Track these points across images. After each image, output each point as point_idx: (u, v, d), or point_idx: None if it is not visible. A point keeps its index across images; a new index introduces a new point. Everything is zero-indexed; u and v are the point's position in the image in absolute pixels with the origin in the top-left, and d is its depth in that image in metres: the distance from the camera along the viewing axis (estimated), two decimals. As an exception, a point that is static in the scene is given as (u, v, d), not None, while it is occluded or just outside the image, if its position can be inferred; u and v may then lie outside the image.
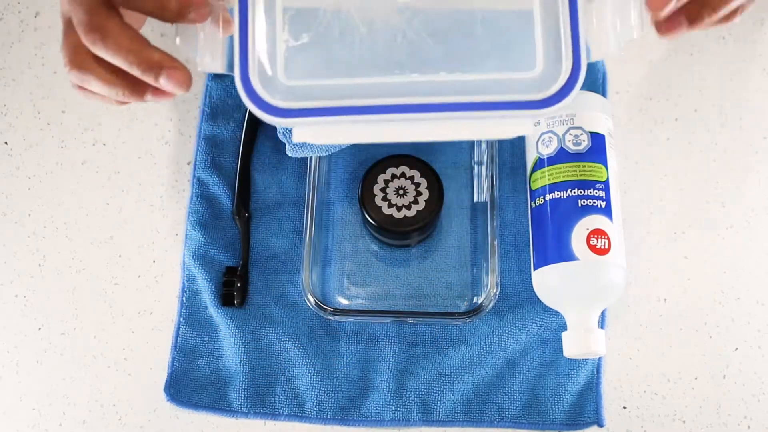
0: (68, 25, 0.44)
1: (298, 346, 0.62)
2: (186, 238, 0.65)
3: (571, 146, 0.60)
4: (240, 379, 0.61)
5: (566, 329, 0.58)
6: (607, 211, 0.58)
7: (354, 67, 0.44)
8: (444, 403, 0.60)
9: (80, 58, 0.43)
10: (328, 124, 0.45)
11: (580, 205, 0.58)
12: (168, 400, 0.61)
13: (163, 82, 0.42)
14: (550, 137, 0.61)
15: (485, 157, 0.64)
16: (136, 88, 0.44)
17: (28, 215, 0.67)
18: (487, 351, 0.62)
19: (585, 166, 0.59)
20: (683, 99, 0.69)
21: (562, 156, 0.60)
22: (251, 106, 0.43)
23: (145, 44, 0.42)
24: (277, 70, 0.44)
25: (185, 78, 0.42)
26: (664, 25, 0.45)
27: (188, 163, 0.68)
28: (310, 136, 0.45)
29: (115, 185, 0.67)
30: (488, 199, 0.62)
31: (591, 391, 0.61)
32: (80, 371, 0.63)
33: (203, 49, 0.43)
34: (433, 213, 0.60)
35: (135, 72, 0.42)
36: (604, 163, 0.59)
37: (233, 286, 0.62)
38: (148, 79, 0.42)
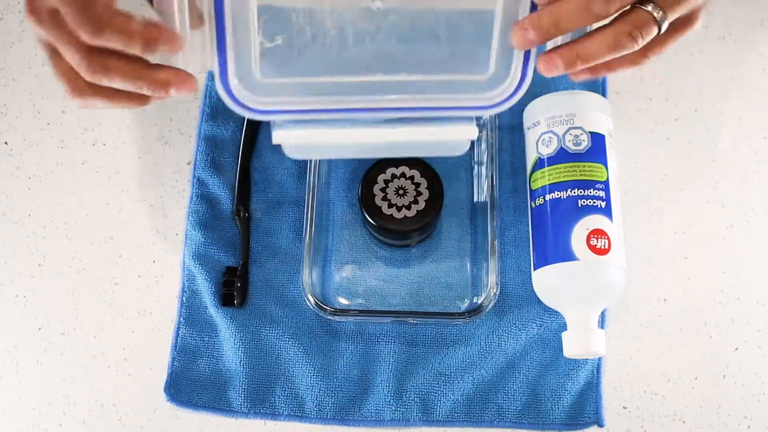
0: (54, 53, 0.43)
1: (298, 346, 0.62)
2: (186, 238, 0.65)
3: (571, 146, 0.60)
4: (240, 379, 0.61)
5: (566, 329, 0.58)
6: (607, 211, 0.58)
7: (325, 67, 0.47)
8: (444, 403, 0.60)
9: (80, 86, 0.44)
10: (301, 128, 0.49)
11: (580, 205, 0.58)
12: (168, 400, 0.61)
13: (174, 93, 0.44)
14: (550, 137, 0.61)
15: (485, 157, 0.64)
16: (140, 98, 0.45)
17: (28, 215, 0.67)
18: (487, 351, 0.62)
19: (585, 166, 0.59)
20: (683, 99, 0.69)
21: (562, 156, 0.60)
22: (229, 103, 0.47)
23: (148, 66, 0.43)
24: (253, 69, 0.46)
25: (192, 85, 0.44)
26: (542, 65, 0.47)
27: (188, 163, 0.68)
28: (286, 138, 0.50)
29: (115, 185, 0.67)
30: (488, 199, 0.62)
31: (591, 391, 0.61)
32: (80, 371, 0.63)
33: (182, 53, 0.45)
34: (433, 213, 0.60)
35: (145, 92, 0.43)
36: (604, 163, 0.59)
37: (233, 286, 0.62)
38: (159, 95, 0.44)
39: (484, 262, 0.62)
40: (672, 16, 0.45)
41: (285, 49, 0.46)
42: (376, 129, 0.50)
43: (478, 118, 0.66)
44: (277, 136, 0.50)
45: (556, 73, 0.46)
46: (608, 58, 0.46)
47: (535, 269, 0.60)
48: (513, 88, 0.49)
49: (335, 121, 0.49)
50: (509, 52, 0.47)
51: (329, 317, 0.61)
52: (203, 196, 0.66)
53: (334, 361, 0.62)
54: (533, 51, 0.47)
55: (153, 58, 0.44)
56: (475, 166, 0.66)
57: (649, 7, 0.44)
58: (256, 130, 0.68)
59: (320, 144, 0.52)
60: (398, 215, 0.60)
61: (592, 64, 0.46)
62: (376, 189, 0.61)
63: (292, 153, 0.52)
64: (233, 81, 0.46)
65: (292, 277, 0.64)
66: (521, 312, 0.62)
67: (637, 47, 0.45)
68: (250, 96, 0.47)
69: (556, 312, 0.61)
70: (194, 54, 0.45)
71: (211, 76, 0.69)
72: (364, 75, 0.48)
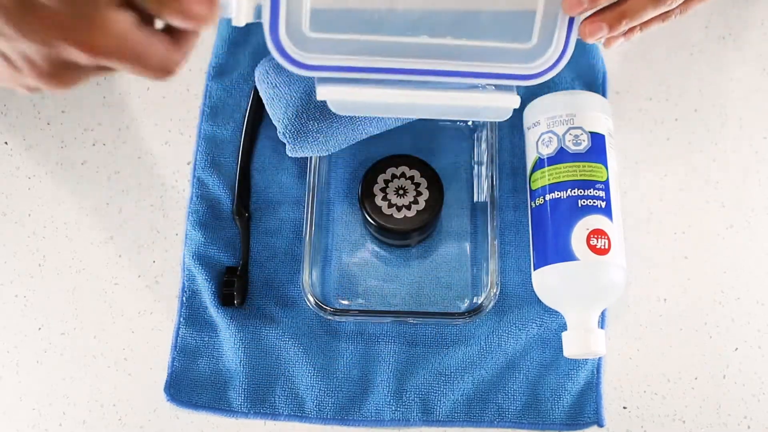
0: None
1: (298, 346, 0.62)
2: (186, 238, 0.65)
3: (571, 146, 0.60)
4: (240, 379, 0.61)
5: (566, 329, 0.58)
6: (607, 211, 0.58)
7: (372, 26, 0.49)
8: (444, 403, 0.60)
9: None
10: (344, 85, 0.51)
11: (580, 205, 0.58)
12: (168, 400, 0.61)
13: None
14: (550, 137, 0.61)
15: (485, 157, 0.64)
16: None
17: (28, 215, 0.67)
18: (487, 351, 0.62)
19: (585, 166, 0.59)
20: (683, 99, 0.69)
21: (562, 156, 0.60)
22: (277, 57, 0.48)
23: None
24: (303, 24, 0.47)
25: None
26: (587, 29, 0.49)
27: (188, 163, 0.68)
28: (330, 94, 0.51)
29: (115, 185, 0.67)
30: (488, 199, 0.62)
31: (591, 391, 0.61)
32: (80, 371, 0.63)
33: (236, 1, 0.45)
34: (433, 213, 0.60)
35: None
36: (604, 163, 0.59)
37: (233, 286, 0.62)
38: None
39: (484, 262, 0.62)
40: None
41: (335, 6, 0.48)
42: (419, 91, 0.52)
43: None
44: (321, 92, 0.51)
45: (600, 36, 0.48)
46: (650, 16, 0.48)
47: (535, 269, 0.60)
48: (555, 59, 0.50)
49: (379, 80, 0.51)
50: (552, 22, 0.49)
51: (329, 317, 0.61)
52: (203, 196, 0.66)
53: (334, 361, 0.62)
54: (576, 21, 0.49)
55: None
56: (475, 166, 0.66)
57: None
58: (256, 130, 0.68)
59: (363, 101, 0.53)
60: (398, 215, 0.60)
61: (634, 24, 0.48)
62: (376, 189, 0.61)
63: (336, 109, 0.53)
64: (283, 34, 0.47)
65: (292, 277, 0.64)
66: (521, 312, 0.62)
67: (674, 5, 0.48)
68: (297, 51, 0.48)
69: (556, 312, 0.61)
70: (247, 3, 0.45)
71: (210, 76, 0.69)
72: (410, 36, 0.49)
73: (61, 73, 0.39)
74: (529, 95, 0.64)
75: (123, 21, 0.38)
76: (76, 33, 0.37)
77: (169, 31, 0.40)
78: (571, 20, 0.50)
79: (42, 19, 0.36)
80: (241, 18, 0.45)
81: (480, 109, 0.54)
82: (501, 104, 0.53)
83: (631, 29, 0.50)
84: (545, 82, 0.65)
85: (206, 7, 0.38)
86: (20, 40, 0.37)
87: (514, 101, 0.53)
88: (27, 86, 0.42)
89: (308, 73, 0.49)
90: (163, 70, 0.40)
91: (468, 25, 0.49)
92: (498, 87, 0.53)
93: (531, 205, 0.61)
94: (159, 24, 0.41)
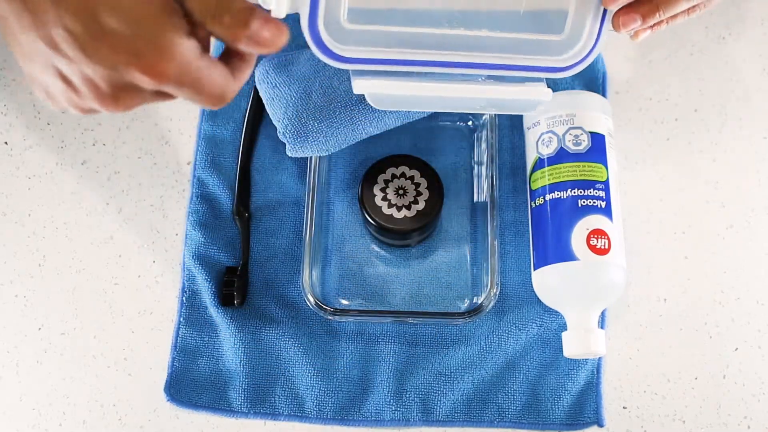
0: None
1: (298, 346, 0.62)
2: (186, 238, 0.65)
3: (571, 146, 0.60)
4: (240, 379, 0.61)
5: (566, 329, 0.58)
6: (607, 211, 0.58)
7: (410, 17, 0.49)
8: (444, 403, 0.60)
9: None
10: (381, 78, 0.51)
11: (580, 205, 0.58)
12: (168, 400, 0.61)
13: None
14: (550, 137, 0.61)
15: (485, 157, 0.64)
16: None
17: (28, 215, 0.67)
18: (487, 351, 0.62)
19: (585, 166, 0.59)
20: (683, 99, 0.69)
21: (562, 156, 0.60)
22: (315, 49, 0.48)
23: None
24: (341, 16, 0.47)
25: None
26: (621, 20, 0.50)
27: (188, 163, 0.68)
28: (366, 87, 0.51)
29: (115, 185, 0.67)
30: (488, 199, 0.62)
31: (591, 391, 0.61)
32: (80, 371, 0.63)
33: None
34: (433, 213, 0.60)
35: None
36: (604, 163, 0.59)
37: (233, 286, 0.62)
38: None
39: (484, 262, 0.62)
40: None
41: (372, 6, 0.48)
42: (453, 84, 0.52)
43: (480, 116, 0.66)
44: (358, 86, 0.51)
45: (633, 27, 0.50)
46: (682, 8, 0.49)
47: (535, 269, 0.60)
48: (586, 51, 0.51)
49: (413, 72, 0.51)
50: (584, 14, 0.50)
51: (329, 317, 0.61)
52: (203, 196, 0.66)
53: (334, 361, 0.62)
54: (609, 13, 0.50)
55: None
56: (475, 166, 0.66)
57: None
58: (256, 130, 0.68)
59: (399, 95, 0.53)
60: (398, 215, 0.60)
61: (667, 16, 0.50)
62: (376, 189, 0.61)
63: (374, 102, 0.53)
64: (321, 26, 0.47)
65: (292, 277, 0.64)
66: (521, 312, 0.62)
67: None
68: (335, 43, 0.48)
69: (556, 312, 0.61)
70: None
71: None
72: (446, 28, 0.50)
73: (122, 95, 0.40)
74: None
75: (188, 49, 0.38)
76: (144, 58, 0.37)
77: (226, 59, 0.41)
78: (604, 12, 0.50)
79: (111, 44, 0.37)
80: (282, 9, 0.45)
81: (514, 102, 0.55)
82: (532, 96, 0.54)
83: (659, 22, 0.51)
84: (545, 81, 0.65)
85: (274, 31, 0.39)
86: (85, 63, 0.37)
87: (547, 94, 0.54)
88: (83, 108, 0.42)
89: (345, 66, 0.49)
90: (219, 98, 0.41)
91: (503, 16, 0.50)
92: (530, 79, 0.54)
93: (531, 205, 0.61)
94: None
